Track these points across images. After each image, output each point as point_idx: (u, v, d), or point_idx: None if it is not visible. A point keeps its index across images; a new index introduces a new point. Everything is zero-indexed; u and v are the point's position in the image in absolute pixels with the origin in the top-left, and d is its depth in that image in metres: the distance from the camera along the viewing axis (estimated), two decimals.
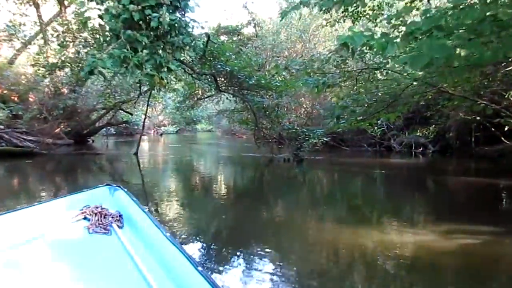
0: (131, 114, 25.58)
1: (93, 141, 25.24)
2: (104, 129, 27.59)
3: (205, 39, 10.47)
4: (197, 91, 30.23)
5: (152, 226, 2.18)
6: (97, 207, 2.42)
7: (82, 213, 2.38)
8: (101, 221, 2.29)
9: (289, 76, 10.98)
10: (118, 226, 2.29)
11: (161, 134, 40.89)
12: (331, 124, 10.85)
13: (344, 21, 14.07)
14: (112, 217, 2.35)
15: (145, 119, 17.48)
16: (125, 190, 2.72)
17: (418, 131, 16.79)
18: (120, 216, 2.40)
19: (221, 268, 3.82)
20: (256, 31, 26.25)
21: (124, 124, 37.36)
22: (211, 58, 11.36)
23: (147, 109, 16.84)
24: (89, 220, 2.32)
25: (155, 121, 47.15)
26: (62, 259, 1.92)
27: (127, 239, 2.10)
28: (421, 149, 16.30)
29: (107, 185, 2.79)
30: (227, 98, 19.17)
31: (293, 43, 18.81)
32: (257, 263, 3.99)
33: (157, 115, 48.51)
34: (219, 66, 11.15)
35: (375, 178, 10.71)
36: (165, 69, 6.25)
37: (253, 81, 11.16)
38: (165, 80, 6.28)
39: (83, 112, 22.46)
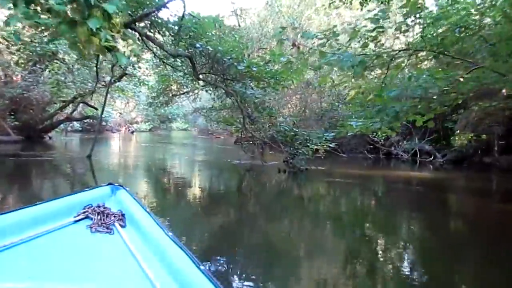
0: (96, 109, 22.11)
1: (50, 138, 21.68)
2: (63, 124, 23.93)
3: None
4: (171, 86, 27.24)
5: (155, 225, 2.12)
6: (99, 206, 2.35)
7: (84, 212, 2.29)
8: (103, 220, 2.22)
9: (296, 60, 8.19)
10: (121, 226, 2.21)
11: (132, 132, 37.28)
12: (336, 128, 8.10)
13: (351, 3, 11.45)
14: (115, 216, 2.27)
15: (102, 113, 14.17)
16: (127, 189, 2.63)
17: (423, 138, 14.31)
18: (123, 215, 2.31)
19: None
20: (238, 22, 23.45)
21: (91, 120, 33.88)
22: (187, 37, 8.41)
23: (105, 102, 13.45)
24: (91, 219, 2.24)
25: (127, 118, 43.42)
26: (64, 258, 1.86)
27: (129, 239, 2.03)
28: (431, 158, 13.85)
29: (109, 184, 2.69)
30: (207, 91, 16.23)
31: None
32: None
33: (130, 112, 44.87)
34: (198, 46, 8.18)
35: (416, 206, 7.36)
36: (98, 14, 3.29)
37: (242, 67, 8.21)
38: (102, 39, 3.26)
39: (38, 104, 18.99)
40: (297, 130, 9.60)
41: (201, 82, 26.79)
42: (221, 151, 19.15)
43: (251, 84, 9.07)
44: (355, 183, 9.34)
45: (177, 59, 9.83)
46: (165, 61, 10.49)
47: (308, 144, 9.23)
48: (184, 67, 10.66)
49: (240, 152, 17.51)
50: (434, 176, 11.23)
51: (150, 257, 1.84)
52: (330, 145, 10.00)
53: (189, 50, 8.41)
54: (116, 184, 2.71)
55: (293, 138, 9.58)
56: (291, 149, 9.76)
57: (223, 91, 10.19)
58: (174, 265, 1.71)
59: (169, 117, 45.75)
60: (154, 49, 10.23)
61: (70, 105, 20.83)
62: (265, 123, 9.86)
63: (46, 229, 2.06)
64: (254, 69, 8.40)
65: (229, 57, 8.19)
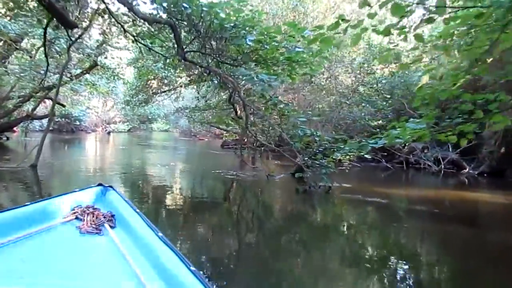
0: (64, 106, 18.83)
1: (7, 138, 18.38)
2: (27, 123, 20.45)
3: None
4: (151, 83, 24.24)
5: (145, 226, 2.05)
6: (89, 207, 2.31)
7: (74, 213, 2.25)
8: (93, 221, 2.17)
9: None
10: (111, 226, 2.17)
11: (109, 133, 33.78)
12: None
13: None
14: (104, 217, 2.22)
15: (52, 109, 10.95)
16: (117, 190, 2.56)
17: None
18: (112, 216, 2.26)
19: None
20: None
21: (63, 119, 30.30)
22: None
23: (57, 93, 10.07)
24: (81, 220, 2.20)
25: (105, 118, 39.84)
26: (54, 259, 1.82)
27: (119, 239, 1.99)
28: (462, 169, 11.34)
29: (99, 185, 2.61)
30: (194, 87, 13.35)
31: (283, 17, 13.11)
32: None
33: (107, 111, 41.26)
34: (184, 6, 5.19)
35: None
36: None
37: (250, 42, 5.31)
38: None
39: None
40: (319, 134, 6.78)
41: (184, 79, 24.07)
42: (208, 157, 16.19)
43: (256, 70, 6.24)
44: (412, 211, 6.54)
45: (156, 36, 6.88)
46: (138, 39, 7.53)
47: (338, 153, 6.46)
48: (165, 48, 7.76)
49: (230, 159, 14.68)
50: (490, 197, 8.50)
51: (140, 258, 1.79)
52: (367, 156, 7.27)
53: (171, 13, 5.48)
54: (106, 185, 2.59)
55: (314, 144, 6.81)
56: (310, 159, 6.97)
57: (215, 80, 7.32)
58: (164, 266, 1.66)
59: (149, 117, 42.25)
60: (125, 18, 7.32)
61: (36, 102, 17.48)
62: (274, 124, 6.98)
63: (35, 230, 1.99)
64: (265, 46, 5.60)
65: (231, 25, 5.32)
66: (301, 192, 6.98)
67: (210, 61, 6.40)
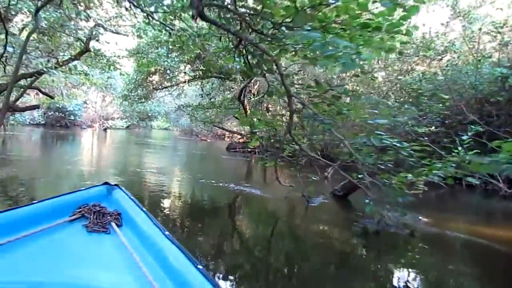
0: (52, 98, 16.32)
1: None
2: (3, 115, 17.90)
3: None
4: (152, 77, 21.83)
5: (151, 225, 1.99)
6: (95, 206, 2.21)
7: (80, 211, 2.16)
8: (99, 219, 2.11)
9: None
10: (117, 225, 2.09)
11: (105, 129, 31.21)
12: None
13: None
14: (111, 216, 2.14)
15: (7, 99, 8.31)
16: (123, 189, 2.43)
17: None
18: (119, 214, 2.18)
19: None
20: None
21: (56, 113, 27.79)
22: None
23: (14, 79, 7.30)
24: (87, 218, 2.12)
25: (103, 113, 37.32)
26: (61, 257, 1.77)
27: (126, 238, 1.93)
28: None
29: (105, 183, 2.49)
30: (200, 83, 10.99)
31: None
32: None
33: (105, 106, 38.75)
34: None
35: None
36: None
37: None
38: None
39: None
40: (405, 146, 4.30)
41: (186, 76, 21.60)
42: (213, 162, 13.67)
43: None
44: None
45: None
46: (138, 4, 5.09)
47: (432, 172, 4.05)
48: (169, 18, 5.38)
49: (240, 166, 12.25)
50: None
51: (147, 257, 1.76)
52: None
53: None
54: (112, 183, 2.51)
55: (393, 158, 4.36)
56: (373, 176, 4.55)
57: (239, 58, 4.85)
58: (171, 265, 1.63)
59: (149, 114, 39.83)
60: None
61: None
62: (332, 126, 4.47)
63: (42, 228, 1.95)
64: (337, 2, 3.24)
65: None
66: (371, 232, 4.56)
67: (241, 19, 3.95)
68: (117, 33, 13.04)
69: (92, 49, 12.88)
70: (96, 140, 20.58)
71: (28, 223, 1.93)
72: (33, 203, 2.13)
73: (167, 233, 1.86)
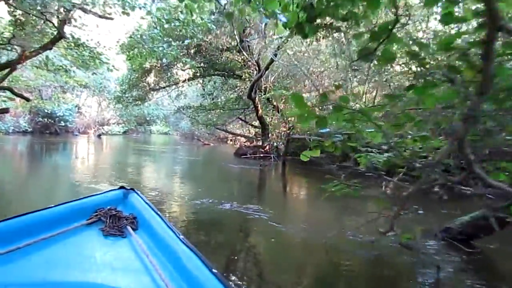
0: (27, 100, 13.52)
1: None
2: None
3: None
4: (149, 77, 19.10)
5: (167, 228, 1.98)
6: (111, 210, 2.21)
7: (97, 215, 2.16)
8: (115, 223, 2.10)
9: None
10: (133, 229, 2.09)
11: (99, 136, 28.40)
12: None
13: None
14: (127, 220, 2.14)
15: None
16: (139, 192, 2.45)
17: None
18: (135, 218, 2.18)
19: None
20: None
21: (45, 119, 24.90)
22: None
23: None
24: (103, 222, 2.12)
25: (98, 119, 34.42)
26: (77, 261, 1.75)
27: (142, 242, 1.92)
28: None
29: (121, 187, 2.50)
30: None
31: None
32: None
33: (101, 111, 35.86)
34: None
35: None
36: None
37: None
38: None
39: None
40: None
41: (185, 73, 18.82)
42: (224, 173, 10.77)
43: None
44: None
45: None
46: None
47: None
48: None
49: (260, 177, 9.46)
50: None
51: (163, 260, 1.76)
52: None
53: None
54: (127, 188, 2.50)
55: None
56: None
57: None
58: (186, 268, 1.62)
59: (148, 118, 37.16)
60: None
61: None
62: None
63: (60, 231, 1.96)
64: None
65: None
66: None
67: None
68: (102, 16, 10.24)
69: (70, 38, 10.14)
70: (85, 149, 17.75)
71: (45, 227, 1.91)
72: (51, 207, 2.09)
73: (182, 237, 1.82)
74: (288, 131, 11.35)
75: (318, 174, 7.60)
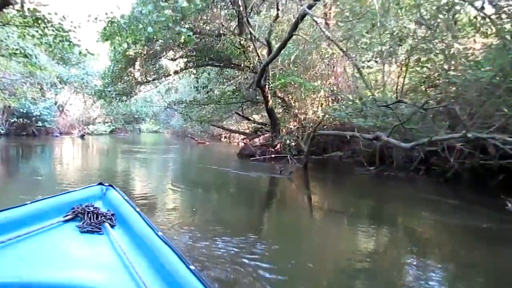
0: None
1: None
2: None
3: None
4: (132, 70, 16.39)
5: (145, 225, 1.87)
6: (88, 206, 2.08)
7: (74, 212, 2.03)
8: (93, 220, 1.98)
9: None
10: (111, 226, 1.97)
11: (82, 136, 25.47)
12: None
13: None
14: (104, 216, 2.01)
15: None
16: (117, 189, 2.33)
17: None
18: (113, 215, 2.06)
19: None
20: None
21: (21, 120, 21.94)
22: None
23: None
24: (80, 219, 2.00)
25: (83, 118, 31.33)
26: (53, 259, 1.65)
27: (119, 238, 1.83)
28: None
29: (99, 184, 2.39)
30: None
31: None
32: None
33: (87, 109, 32.73)
34: None
35: None
36: None
37: None
38: None
39: None
40: None
41: (176, 66, 16.12)
42: (230, 182, 8.18)
43: None
44: None
45: None
46: None
47: None
48: None
49: (285, 191, 6.84)
50: None
51: (140, 257, 1.67)
52: None
53: None
54: (106, 184, 2.40)
55: None
56: None
57: None
58: (164, 265, 1.55)
59: (136, 116, 34.26)
60: None
61: None
62: None
63: (35, 228, 1.85)
64: None
65: None
66: None
67: None
68: None
69: (19, 4, 7.44)
70: (63, 153, 14.97)
71: (21, 224, 1.83)
72: (26, 204, 2.00)
73: (160, 233, 1.76)
74: (315, 126, 8.77)
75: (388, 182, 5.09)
